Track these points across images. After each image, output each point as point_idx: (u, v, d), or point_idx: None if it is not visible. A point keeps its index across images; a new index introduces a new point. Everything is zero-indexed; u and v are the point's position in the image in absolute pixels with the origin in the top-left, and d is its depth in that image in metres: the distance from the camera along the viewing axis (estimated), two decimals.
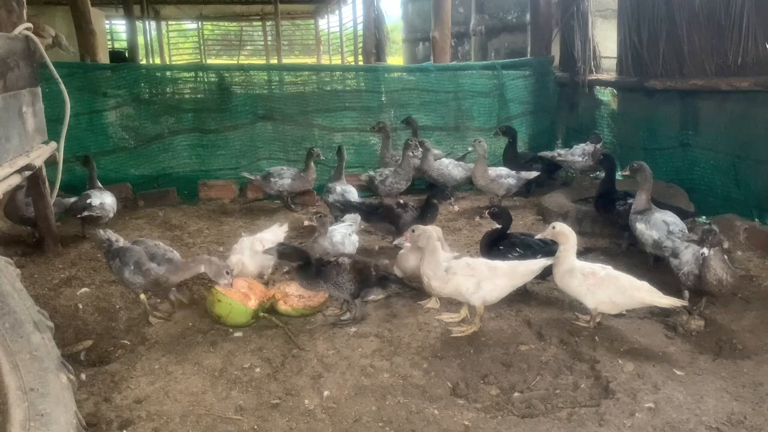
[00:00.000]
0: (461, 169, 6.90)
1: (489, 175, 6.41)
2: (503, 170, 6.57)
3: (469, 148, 7.16)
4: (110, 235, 4.09)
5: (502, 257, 4.08)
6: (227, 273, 3.72)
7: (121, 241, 4.05)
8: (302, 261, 3.76)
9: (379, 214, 5.19)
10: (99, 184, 5.87)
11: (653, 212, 4.56)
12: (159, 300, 4.23)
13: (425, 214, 5.08)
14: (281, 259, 3.78)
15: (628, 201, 4.93)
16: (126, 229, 5.95)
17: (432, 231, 3.81)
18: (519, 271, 3.72)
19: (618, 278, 3.63)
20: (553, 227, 3.88)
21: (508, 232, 4.44)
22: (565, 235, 3.81)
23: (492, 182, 6.40)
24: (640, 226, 4.58)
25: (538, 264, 3.74)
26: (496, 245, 4.34)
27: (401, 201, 5.19)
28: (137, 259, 3.77)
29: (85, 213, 5.40)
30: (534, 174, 6.63)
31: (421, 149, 6.80)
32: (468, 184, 7.02)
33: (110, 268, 3.99)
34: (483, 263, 3.74)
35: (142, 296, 3.94)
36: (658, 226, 4.46)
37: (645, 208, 4.61)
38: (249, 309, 3.80)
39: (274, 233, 4.65)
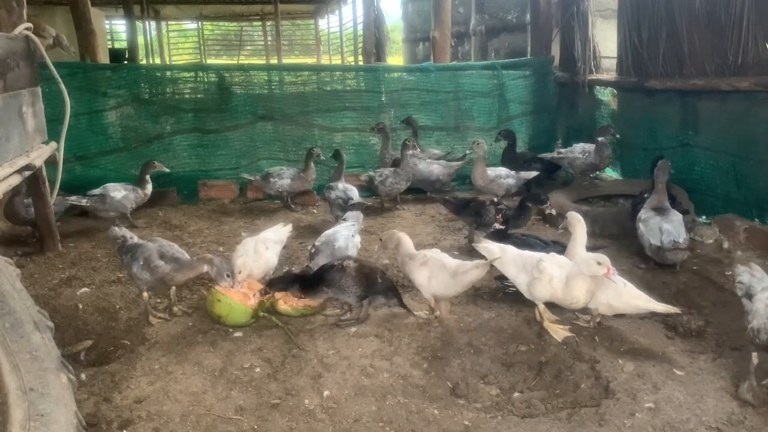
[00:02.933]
0: (438, 167, 6.85)
1: (488, 176, 6.41)
2: (503, 170, 6.56)
3: (468, 151, 7.12)
4: (125, 232, 4.15)
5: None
6: (228, 276, 3.73)
7: (136, 238, 4.09)
8: (296, 281, 3.75)
9: (471, 208, 5.18)
10: (148, 181, 6.06)
11: (654, 216, 4.54)
12: (159, 300, 4.24)
13: (518, 215, 4.93)
14: (281, 291, 3.77)
15: (619, 201, 4.98)
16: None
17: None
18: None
19: (617, 284, 3.64)
20: (566, 217, 4.09)
21: (510, 232, 4.49)
22: (572, 223, 3.99)
23: (491, 182, 6.40)
24: (641, 228, 4.59)
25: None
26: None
27: (496, 199, 5.11)
28: (147, 255, 3.80)
29: (74, 199, 5.71)
30: (533, 174, 6.63)
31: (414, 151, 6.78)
32: (467, 185, 7.01)
33: (121, 263, 4.07)
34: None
35: (145, 294, 3.94)
36: (653, 232, 4.47)
37: (655, 207, 4.59)
38: (249, 309, 3.79)
39: (277, 233, 4.62)
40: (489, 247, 3.87)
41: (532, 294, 3.69)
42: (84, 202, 5.76)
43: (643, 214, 4.68)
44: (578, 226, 3.99)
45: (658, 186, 4.74)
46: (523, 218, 4.99)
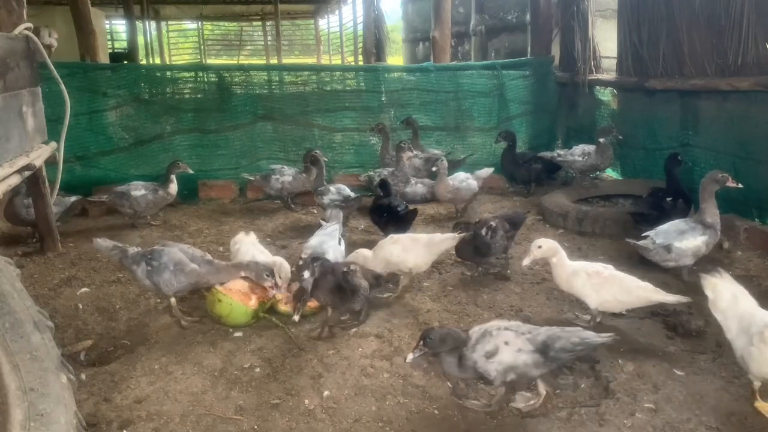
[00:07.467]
0: (422, 186, 6.76)
1: (451, 185, 6.13)
2: (460, 175, 6.27)
3: (433, 168, 6.82)
4: (116, 243, 3.96)
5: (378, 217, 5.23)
6: (267, 276, 3.74)
7: (134, 248, 3.92)
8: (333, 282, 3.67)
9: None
10: (173, 180, 6.03)
11: (683, 223, 4.40)
12: (159, 300, 4.23)
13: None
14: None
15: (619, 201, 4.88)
16: (125, 229, 5.96)
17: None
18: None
19: (622, 278, 3.63)
20: (539, 246, 3.81)
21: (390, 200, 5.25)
22: (551, 249, 3.79)
23: (456, 191, 6.12)
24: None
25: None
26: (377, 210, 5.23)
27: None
28: (178, 260, 3.70)
29: (95, 197, 6.14)
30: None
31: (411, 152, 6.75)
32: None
33: (133, 274, 3.87)
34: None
35: (173, 300, 3.85)
36: (662, 233, 4.41)
37: (697, 219, 4.39)
38: (249, 309, 3.79)
39: (251, 240, 4.49)
40: (719, 289, 3.04)
41: (748, 367, 2.85)
42: (105, 197, 5.96)
43: (682, 221, 4.46)
44: (553, 248, 3.78)
45: (704, 196, 4.37)
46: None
